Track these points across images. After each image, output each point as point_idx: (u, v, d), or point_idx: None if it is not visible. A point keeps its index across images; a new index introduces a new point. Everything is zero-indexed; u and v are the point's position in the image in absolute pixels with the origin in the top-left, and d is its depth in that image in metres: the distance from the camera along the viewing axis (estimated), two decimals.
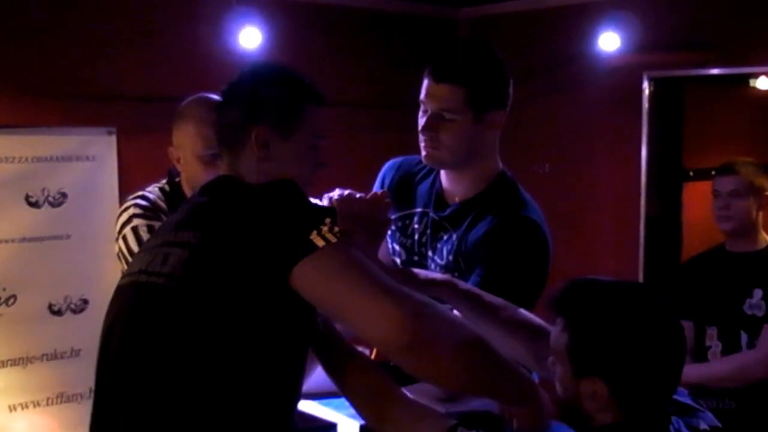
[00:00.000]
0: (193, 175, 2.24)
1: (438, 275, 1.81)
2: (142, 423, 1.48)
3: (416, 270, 1.79)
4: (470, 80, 1.94)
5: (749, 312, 2.87)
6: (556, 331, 1.47)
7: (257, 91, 1.60)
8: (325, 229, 1.42)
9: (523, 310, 1.75)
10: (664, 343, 1.43)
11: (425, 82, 1.98)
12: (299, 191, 1.53)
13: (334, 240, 1.42)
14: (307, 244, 1.41)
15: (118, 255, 2.28)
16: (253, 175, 1.58)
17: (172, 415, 1.45)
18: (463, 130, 1.96)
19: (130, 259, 2.19)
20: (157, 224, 2.20)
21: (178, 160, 2.28)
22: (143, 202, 2.29)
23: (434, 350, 1.39)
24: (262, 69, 1.69)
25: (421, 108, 2.01)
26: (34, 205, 3.54)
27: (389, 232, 2.17)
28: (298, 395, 1.57)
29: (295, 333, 1.48)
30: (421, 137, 2.01)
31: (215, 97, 2.25)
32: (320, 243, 1.41)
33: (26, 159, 3.51)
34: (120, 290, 1.62)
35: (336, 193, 1.77)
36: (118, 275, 2.04)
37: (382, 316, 1.37)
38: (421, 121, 2.00)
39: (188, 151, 2.25)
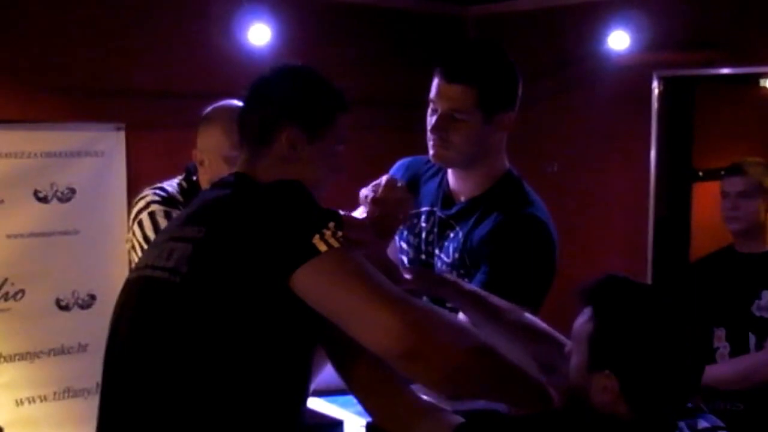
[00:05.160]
0: (219, 176, 2.23)
1: (445, 276, 1.81)
2: (148, 417, 1.48)
3: (424, 270, 1.79)
4: (482, 81, 1.94)
5: (757, 314, 2.85)
6: (581, 320, 1.46)
7: (292, 93, 1.60)
8: (328, 233, 1.41)
9: (528, 314, 1.74)
10: (683, 353, 1.43)
11: (436, 82, 1.97)
12: (306, 193, 1.52)
13: (336, 245, 1.41)
14: (310, 248, 1.40)
15: (131, 244, 2.27)
16: (273, 174, 1.57)
17: (178, 411, 1.45)
18: (473, 131, 1.96)
19: (144, 245, 2.19)
20: (175, 212, 2.21)
21: (202, 163, 2.29)
22: (161, 192, 2.31)
23: (434, 360, 1.39)
24: (295, 71, 1.67)
25: (431, 107, 2.00)
26: (42, 200, 3.55)
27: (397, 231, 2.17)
28: (306, 393, 1.56)
29: (297, 333, 1.48)
30: (430, 136, 2.00)
31: (239, 103, 2.26)
32: (322, 247, 1.40)
33: (35, 154, 3.52)
34: (127, 284, 1.62)
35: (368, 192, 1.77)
36: (126, 271, 2.05)
37: (381, 326, 1.37)
38: (431, 120, 1.99)
39: (214, 152, 2.26)
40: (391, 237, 1.86)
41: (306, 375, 1.54)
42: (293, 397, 1.52)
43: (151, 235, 2.19)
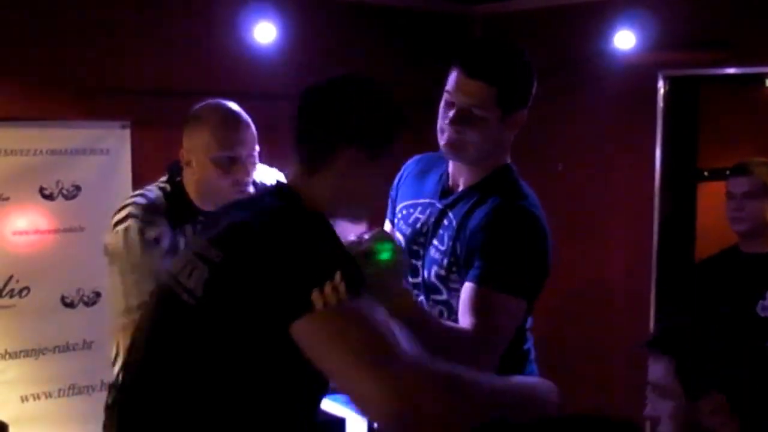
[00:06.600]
0: (207, 178, 2.19)
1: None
2: (161, 427, 1.51)
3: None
4: (503, 80, 1.93)
5: (762, 314, 2.85)
6: (656, 368, 1.49)
7: (354, 113, 1.57)
8: (329, 287, 1.39)
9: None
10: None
11: (454, 75, 1.95)
12: (324, 234, 1.51)
13: (333, 301, 1.39)
14: (306, 303, 1.39)
15: (105, 247, 2.24)
16: (326, 190, 1.56)
17: (191, 425, 1.47)
18: (489, 128, 1.95)
19: (121, 255, 2.18)
20: (152, 230, 2.17)
21: (189, 163, 2.22)
22: (142, 201, 2.24)
23: (422, 425, 1.36)
24: (355, 85, 1.63)
25: (445, 99, 1.98)
26: (48, 197, 3.56)
27: (395, 221, 2.18)
28: (316, 411, 1.58)
29: (303, 369, 1.46)
30: (444, 128, 1.98)
31: (229, 103, 2.24)
32: (318, 304, 1.39)
33: (40, 152, 3.53)
34: (157, 290, 1.65)
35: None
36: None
37: (366, 395, 1.37)
38: (445, 112, 1.98)
39: (201, 153, 2.19)
40: (367, 213, 1.84)
41: (315, 400, 1.56)
42: (302, 420, 1.54)
43: (120, 250, 2.17)
